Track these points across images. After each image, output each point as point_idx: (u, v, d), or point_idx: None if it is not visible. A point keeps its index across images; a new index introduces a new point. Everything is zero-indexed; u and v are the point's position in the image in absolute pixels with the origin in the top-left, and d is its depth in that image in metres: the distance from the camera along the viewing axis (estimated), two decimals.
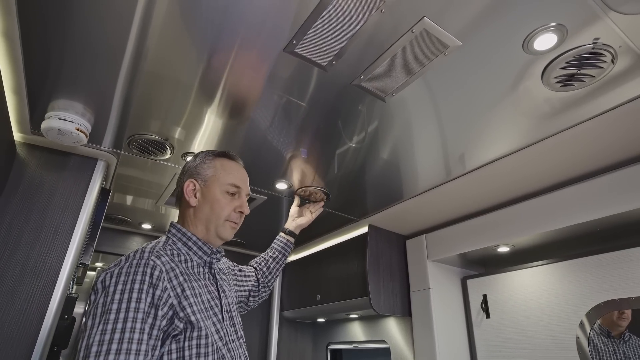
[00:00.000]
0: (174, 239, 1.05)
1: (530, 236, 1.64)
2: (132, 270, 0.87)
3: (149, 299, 0.84)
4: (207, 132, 1.42)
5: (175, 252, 1.01)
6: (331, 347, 2.67)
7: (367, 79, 1.08)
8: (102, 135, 1.48)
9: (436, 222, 2.04)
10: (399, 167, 1.58)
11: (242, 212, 1.10)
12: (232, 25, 0.93)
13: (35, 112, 1.31)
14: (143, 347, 0.79)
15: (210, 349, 0.91)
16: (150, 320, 0.82)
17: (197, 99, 1.22)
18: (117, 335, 0.77)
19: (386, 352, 2.18)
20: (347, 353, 2.72)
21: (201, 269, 1.05)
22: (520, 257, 1.88)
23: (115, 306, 0.80)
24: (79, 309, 3.24)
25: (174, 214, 2.33)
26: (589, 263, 1.56)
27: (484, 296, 1.93)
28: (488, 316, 1.89)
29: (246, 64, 1.06)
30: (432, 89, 1.13)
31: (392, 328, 2.19)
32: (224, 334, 0.99)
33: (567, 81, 1.07)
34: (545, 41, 0.95)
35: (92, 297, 0.86)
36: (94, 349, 0.75)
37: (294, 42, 0.97)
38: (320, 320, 2.71)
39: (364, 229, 2.13)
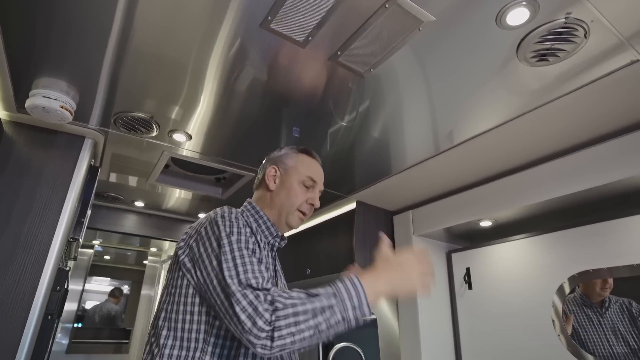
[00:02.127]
0: (247, 214, 1.10)
1: (511, 210, 1.68)
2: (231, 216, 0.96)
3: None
4: (194, 110, 1.43)
5: (248, 223, 1.04)
6: None
7: (344, 55, 1.09)
8: (88, 113, 1.49)
9: (422, 198, 2.08)
10: (388, 142, 1.60)
11: (312, 205, 1.14)
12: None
13: (20, 90, 1.32)
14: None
15: None
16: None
17: (184, 77, 1.24)
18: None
19: (374, 323, 2.27)
20: None
21: (265, 248, 1.07)
22: (503, 231, 1.93)
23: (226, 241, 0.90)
24: (73, 285, 3.33)
25: (171, 193, 2.37)
26: (567, 236, 1.61)
27: (467, 269, 1.99)
28: (470, 287, 1.95)
29: (226, 41, 1.07)
30: (410, 65, 1.14)
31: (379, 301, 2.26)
32: None
33: (542, 56, 1.09)
34: (517, 16, 0.96)
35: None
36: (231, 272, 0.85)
37: (269, 18, 0.98)
38: None
39: (352, 205, 2.17)
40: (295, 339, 0.77)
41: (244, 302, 0.79)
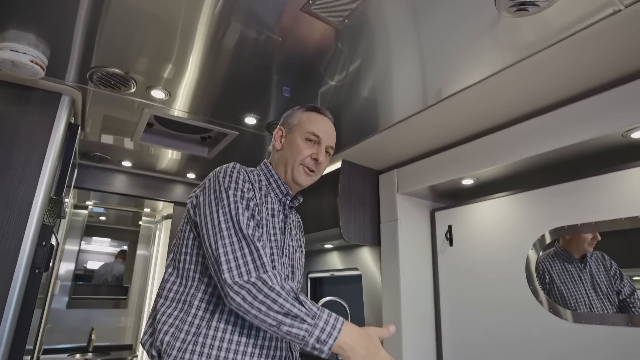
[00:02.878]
0: (260, 172, 1.16)
1: (492, 169, 1.69)
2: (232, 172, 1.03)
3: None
4: (172, 65, 1.40)
5: (256, 180, 1.10)
6: (311, 275, 2.86)
7: (315, 4, 1.05)
8: (63, 69, 1.46)
9: (407, 157, 2.09)
10: (376, 99, 1.58)
11: (317, 160, 1.15)
12: None
13: None
14: None
15: None
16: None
17: (165, 31, 1.20)
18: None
19: (359, 278, 2.35)
20: (325, 280, 2.92)
21: (275, 206, 1.13)
22: (485, 190, 1.96)
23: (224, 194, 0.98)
24: (69, 245, 3.42)
25: (158, 153, 2.36)
26: (545, 193, 1.63)
27: (449, 226, 2.03)
28: (451, 244, 2.01)
29: None
30: (386, 15, 1.11)
31: (365, 257, 2.33)
32: (279, 265, 1.05)
33: (521, 5, 1.05)
34: None
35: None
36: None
37: None
38: None
39: (338, 165, 2.18)
40: (259, 315, 0.83)
41: (231, 255, 0.88)
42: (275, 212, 1.12)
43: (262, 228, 1.02)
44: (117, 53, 1.34)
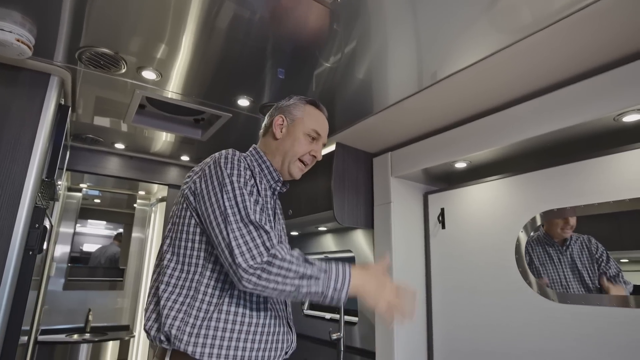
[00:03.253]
0: (252, 158, 1.17)
1: (484, 152, 1.69)
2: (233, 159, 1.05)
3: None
4: (167, 46, 1.38)
5: (252, 166, 1.11)
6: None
7: None
8: (51, 48, 1.43)
9: (401, 140, 2.08)
10: (370, 81, 1.56)
11: (315, 157, 1.20)
12: None
13: None
14: None
15: None
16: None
17: (156, 10, 1.18)
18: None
19: (352, 260, 2.38)
20: None
21: (268, 192, 1.15)
22: (478, 173, 1.97)
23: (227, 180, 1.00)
24: (64, 228, 3.42)
25: (151, 135, 2.34)
26: (536, 177, 1.64)
27: (442, 209, 2.05)
28: (444, 227, 2.03)
29: None
30: None
31: (358, 239, 2.36)
32: None
33: None
34: None
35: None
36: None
37: None
38: (294, 233, 2.89)
39: (332, 147, 2.17)
40: (277, 287, 0.89)
41: (241, 240, 0.91)
42: (269, 198, 1.14)
43: (264, 212, 1.04)
44: (106, 32, 1.32)
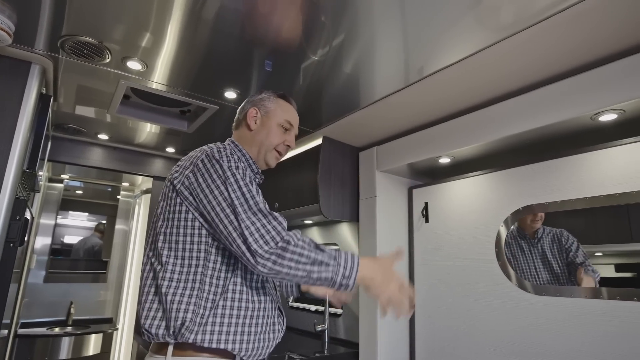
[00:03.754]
0: (233, 151, 1.16)
1: (468, 148, 1.73)
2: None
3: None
4: (153, 36, 1.36)
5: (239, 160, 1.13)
6: None
7: None
8: (32, 36, 1.40)
9: (387, 134, 2.11)
10: (358, 75, 1.57)
11: (289, 146, 1.26)
12: None
13: None
14: None
15: None
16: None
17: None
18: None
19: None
20: None
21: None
22: (461, 168, 2.01)
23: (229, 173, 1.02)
24: (45, 219, 3.35)
25: (136, 126, 2.31)
26: (517, 173, 1.69)
27: (426, 203, 2.09)
28: (427, 221, 2.07)
29: None
30: None
31: (343, 232, 2.39)
32: None
33: None
34: None
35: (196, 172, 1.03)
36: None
37: None
38: None
39: (319, 141, 2.18)
40: (290, 272, 0.92)
41: (253, 227, 0.94)
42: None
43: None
44: (90, 20, 1.29)
